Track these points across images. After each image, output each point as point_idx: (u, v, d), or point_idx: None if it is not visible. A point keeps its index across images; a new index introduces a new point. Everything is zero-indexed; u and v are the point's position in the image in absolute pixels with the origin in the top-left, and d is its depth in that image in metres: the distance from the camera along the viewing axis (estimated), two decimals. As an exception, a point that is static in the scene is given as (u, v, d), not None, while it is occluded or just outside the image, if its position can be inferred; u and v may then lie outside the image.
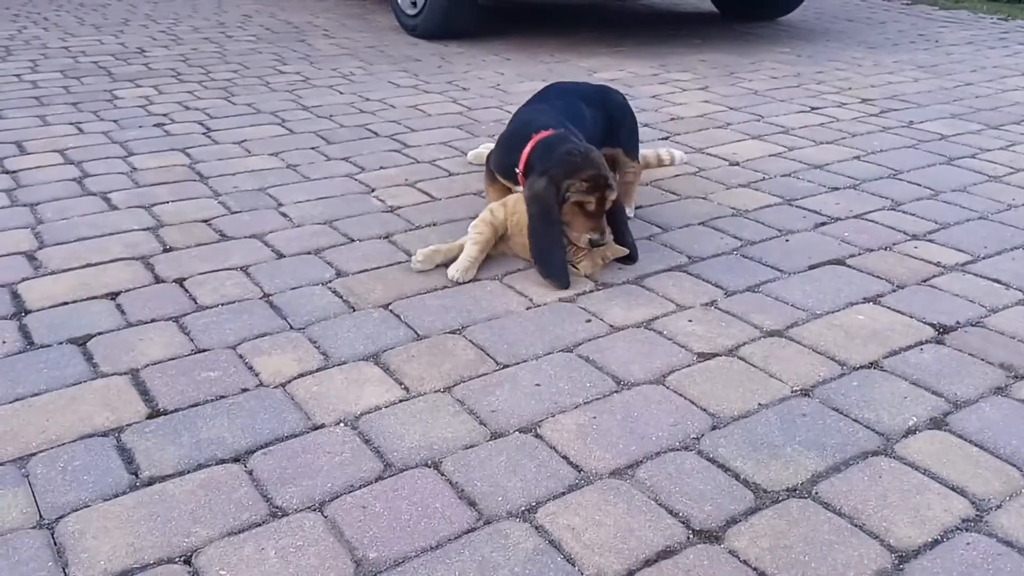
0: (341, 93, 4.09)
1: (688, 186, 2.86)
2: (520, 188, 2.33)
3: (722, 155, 3.19)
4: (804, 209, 2.67)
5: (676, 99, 4.02)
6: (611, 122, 2.63)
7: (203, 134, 3.38)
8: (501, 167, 2.44)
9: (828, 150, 3.26)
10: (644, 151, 3.02)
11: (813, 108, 3.88)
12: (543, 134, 2.29)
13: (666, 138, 3.39)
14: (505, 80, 4.42)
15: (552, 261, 2.16)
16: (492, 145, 3.07)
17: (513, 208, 2.27)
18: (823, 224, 2.55)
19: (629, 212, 2.56)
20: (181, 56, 4.90)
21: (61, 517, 1.39)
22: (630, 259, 2.25)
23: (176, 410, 1.65)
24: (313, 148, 3.23)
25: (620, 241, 2.23)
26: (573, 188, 2.13)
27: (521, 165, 2.31)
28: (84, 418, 1.62)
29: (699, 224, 2.55)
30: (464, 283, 2.16)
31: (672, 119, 3.67)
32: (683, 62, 4.91)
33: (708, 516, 1.40)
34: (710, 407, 1.67)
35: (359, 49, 5.20)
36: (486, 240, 2.24)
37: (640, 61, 4.92)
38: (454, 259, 2.22)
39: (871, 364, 1.82)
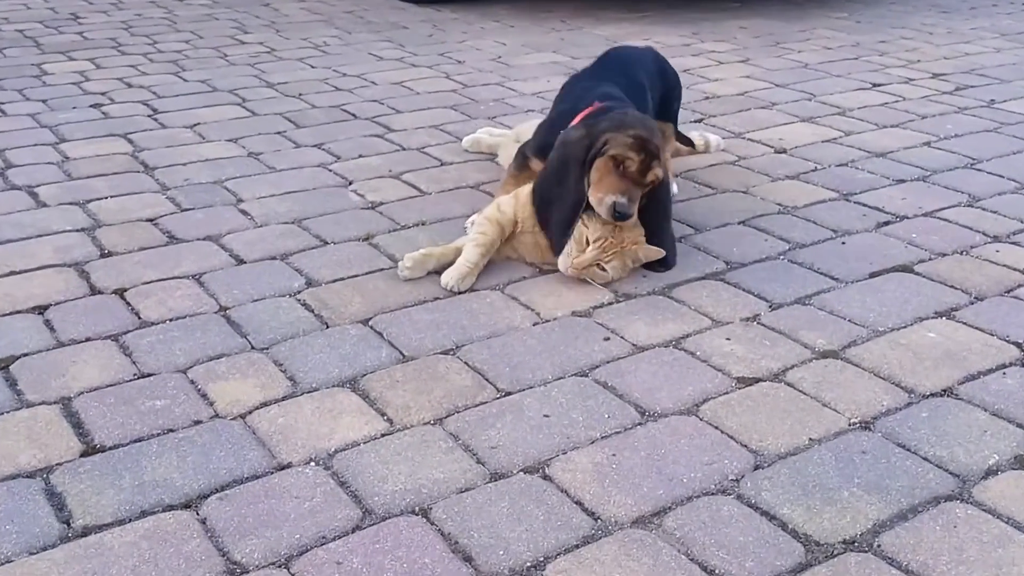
0: (313, 67, 4.11)
1: (726, 178, 2.87)
2: None
3: (766, 140, 3.20)
4: (864, 205, 2.67)
5: (711, 74, 4.03)
6: (667, 92, 2.69)
7: (148, 116, 3.40)
8: (542, 147, 2.42)
9: (892, 135, 3.26)
10: (695, 133, 3.04)
11: (875, 84, 3.88)
12: (598, 106, 2.32)
13: (700, 120, 3.40)
14: (508, 51, 4.43)
15: (557, 222, 2.16)
16: (493, 129, 3.10)
17: (526, 201, 2.28)
18: (886, 223, 2.56)
19: (674, 188, 2.59)
20: (123, 23, 4.92)
21: (-22, 574, 1.39)
22: (663, 264, 2.25)
23: (115, 446, 1.65)
24: (279, 133, 3.24)
25: (655, 241, 2.24)
26: (614, 141, 2.15)
27: None
28: (6, 456, 1.62)
29: (739, 223, 2.55)
30: (460, 293, 2.16)
31: (707, 98, 3.68)
32: (720, 29, 4.92)
33: (749, 574, 1.40)
34: (752, 443, 1.67)
35: (335, 15, 5.22)
36: (490, 242, 2.24)
37: (668, 28, 4.93)
38: (448, 265, 2.22)
39: (944, 391, 1.82)
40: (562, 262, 2.18)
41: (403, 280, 2.21)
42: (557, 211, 2.19)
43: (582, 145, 2.18)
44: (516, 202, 2.28)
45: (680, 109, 2.87)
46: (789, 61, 4.26)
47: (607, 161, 2.15)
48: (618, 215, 2.13)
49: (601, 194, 2.15)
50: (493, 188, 2.67)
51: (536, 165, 2.44)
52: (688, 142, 2.96)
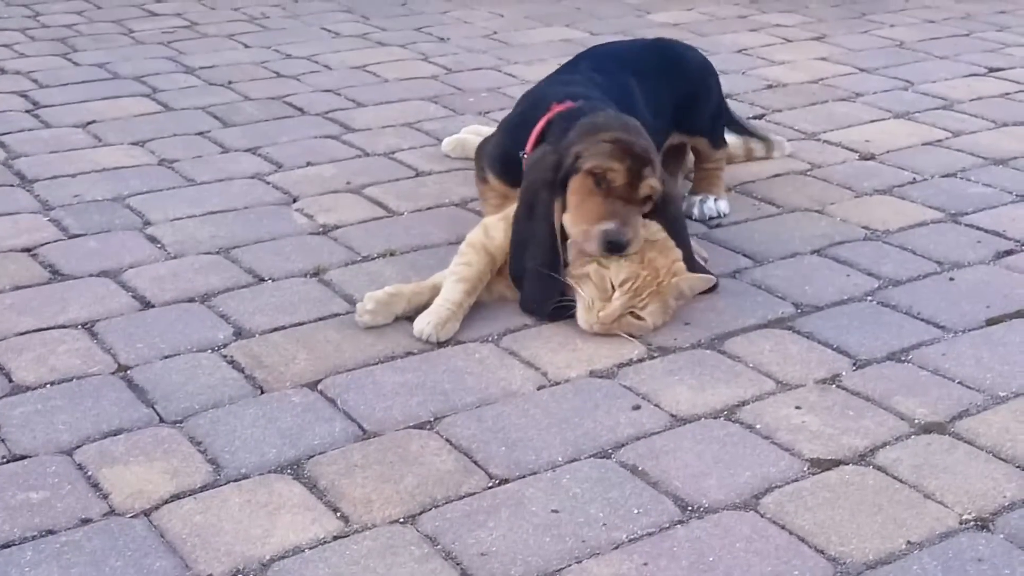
0: (247, 47, 4.14)
1: (795, 192, 2.88)
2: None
3: (848, 143, 3.21)
4: (977, 229, 2.68)
5: (775, 55, 4.06)
6: (686, 97, 2.66)
7: (27, 112, 3.41)
8: (497, 159, 2.46)
9: (1015, 135, 3.28)
10: (727, 137, 3.05)
11: (991, 70, 3.90)
12: (565, 105, 2.34)
13: (760, 117, 3.42)
14: (506, 26, 4.47)
15: (531, 273, 2.18)
16: (482, 128, 3.12)
17: None
18: (1008, 253, 2.56)
19: (723, 206, 2.65)
20: (-4, -11, 4.97)
21: None
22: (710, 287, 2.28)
23: (-24, 553, 1.64)
24: (201, 134, 3.25)
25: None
26: (588, 151, 2.16)
27: (529, 147, 2.34)
28: None
29: (812, 253, 2.56)
30: (440, 345, 2.16)
31: (769, 87, 3.70)
32: (786, -4, 4.97)
33: None
34: (830, 547, 1.66)
35: (276, -23, 5.28)
36: (477, 275, 2.25)
37: (718, -5, 4.98)
38: (423, 307, 2.22)
39: (1089, 477, 1.82)
40: (583, 318, 2.18)
41: (363, 328, 2.21)
42: (529, 258, 2.20)
43: (548, 164, 2.19)
44: (507, 225, 2.28)
45: (719, 113, 2.81)
46: (878, 39, 4.29)
47: (583, 179, 2.17)
48: (612, 246, 2.14)
49: (585, 224, 2.16)
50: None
51: (496, 184, 2.48)
52: (758, 137, 2.98)
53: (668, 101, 2.62)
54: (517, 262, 2.23)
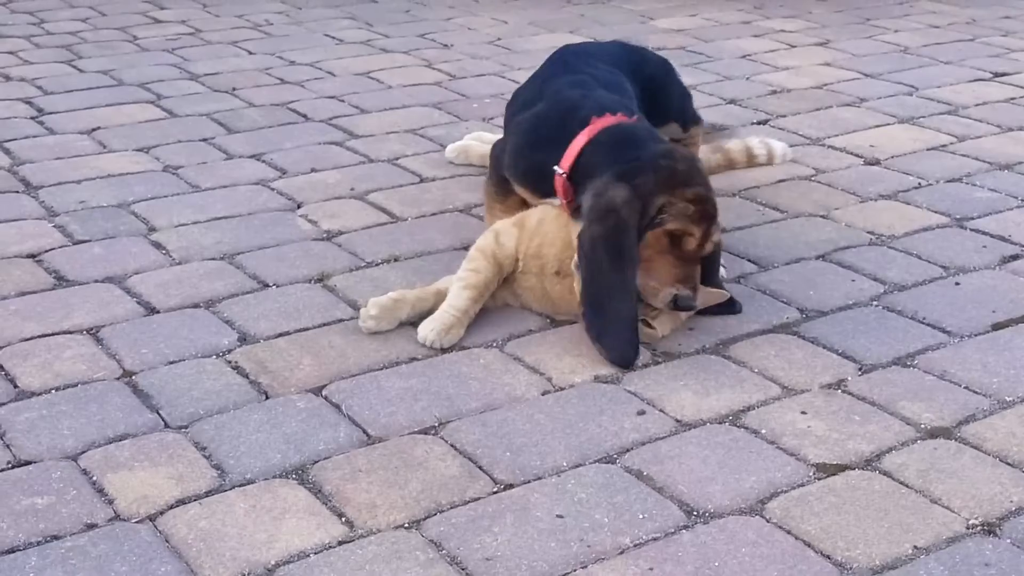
0: (251, 53, 4.14)
1: (799, 197, 2.88)
2: (555, 201, 2.35)
3: (853, 148, 3.21)
4: (983, 234, 2.68)
5: (779, 61, 4.06)
6: (654, 89, 2.67)
7: (32, 119, 3.42)
8: (527, 170, 2.42)
9: (1020, 140, 3.28)
10: (728, 143, 3.05)
11: (996, 74, 3.91)
12: (607, 120, 2.31)
13: (763, 122, 3.42)
14: (510, 32, 4.47)
15: (616, 325, 2.12)
16: (485, 134, 3.12)
17: (535, 230, 2.29)
18: (1014, 258, 2.56)
19: None
20: (0, -3, 4.98)
21: None
22: (731, 307, 2.28)
23: (-19, 558, 1.65)
24: (205, 140, 3.26)
25: (710, 281, 2.26)
26: (673, 209, 2.14)
27: (566, 165, 2.31)
28: None
29: (817, 258, 2.56)
30: (445, 351, 2.16)
31: (773, 92, 3.70)
32: (791, 2, 4.96)
33: None
34: (836, 552, 1.66)
35: (280, -16, 5.29)
36: (484, 282, 2.25)
37: (723, 1, 4.97)
38: (427, 313, 2.22)
39: (1095, 482, 1.81)
40: None
41: (367, 334, 2.21)
42: (619, 306, 2.12)
43: (634, 211, 2.14)
44: (520, 233, 2.28)
45: (684, 95, 2.80)
46: (882, 44, 4.29)
47: (661, 237, 2.15)
48: (682, 307, 2.15)
49: (655, 282, 2.15)
50: (489, 212, 2.68)
51: (522, 192, 2.46)
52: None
53: (639, 96, 2.63)
54: (598, 313, 2.13)
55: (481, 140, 3.07)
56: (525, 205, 2.44)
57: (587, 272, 2.13)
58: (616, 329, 2.13)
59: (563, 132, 2.33)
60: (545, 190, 2.36)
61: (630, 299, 2.13)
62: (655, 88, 2.69)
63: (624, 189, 2.16)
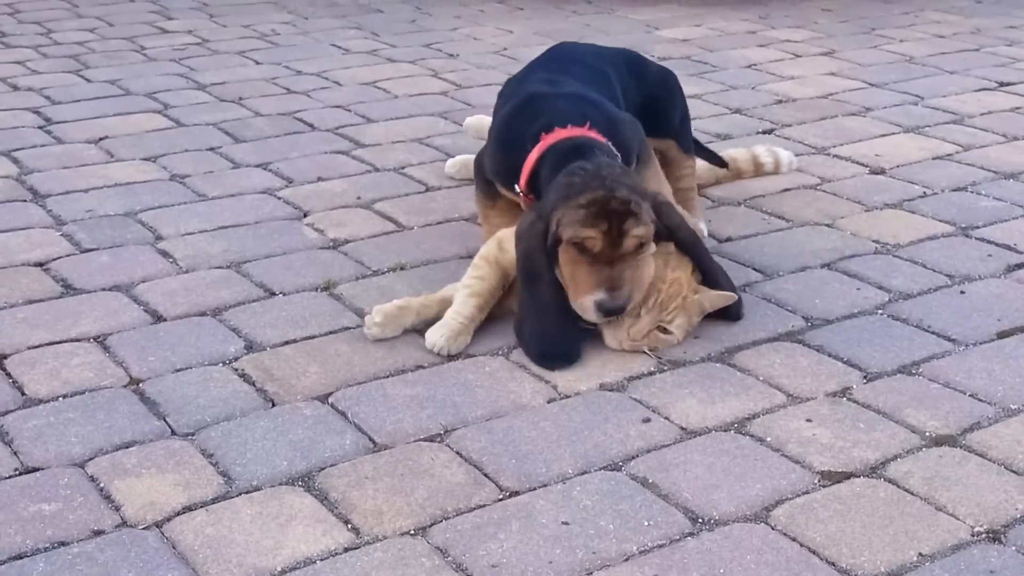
0: (257, 63, 4.15)
1: (804, 206, 2.89)
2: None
3: (858, 157, 3.21)
4: (988, 243, 2.68)
5: (785, 70, 4.07)
6: (652, 102, 2.67)
7: (39, 128, 3.43)
8: (499, 170, 2.45)
9: (1026, 149, 3.29)
10: (734, 151, 3.06)
11: (1001, 84, 3.91)
12: (556, 136, 2.32)
13: (768, 132, 3.42)
14: (515, 42, 4.48)
15: (539, 332, 2.17)
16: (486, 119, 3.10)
17: None
18: (1019, 267, 2.57)
19: (702, 228, 2.61)
20: (7, 7, 4.99)
21: None
22: (733, 313, 2.28)
23: (-12, 565, 1.65)
24: (212, 149, 3.27)
25: (713, 286, 2.26)
26: (564, 219, 2.14)
27: (523, 178, 2.34)
28: None
29: (822, 267, 2.56)
30: (452, 358, 2.17)
31: (778, 101, 3.71)
32: (796, 12, 4.97)
33: None
34: (841, 559, 1.66)
35: (286, -5, 5.30)
36: (489, 289, 2.25)
37: (728, 11, 4.98)
38: (432, 320, 2.23)
39: (1100, 490, 1.81)
40: (613, 336, 2.18)
41: (372, 341, 2.21)
42: (537, 320, 2.19)
43: (537, 233, 2.18)
44: None
45: (685, 118, 2.80)
46: (887, 53, 4.29)
47: (567, 250, 2.16)
48: (608, 313, 2.13)
49: (579, 297, 2.15)
50: (495, 221, 2.68)
51: (504, 192, 2.48)
52: (717, 160, 2.95)
53: (636, 101, 2.64)
54: (522, 321, 2.22)
55: (480, 132, 3.08)
56: (516, 206, 2.46)
57: (521, 294, 2.23)
58: (532, 330, 2.19)
59: (524, 144, 2.35)
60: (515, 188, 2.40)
61: (554, 312, 2.17)
62: (654, 101, 2.69)
63: (530, 215, 2.21)
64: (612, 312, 2.13)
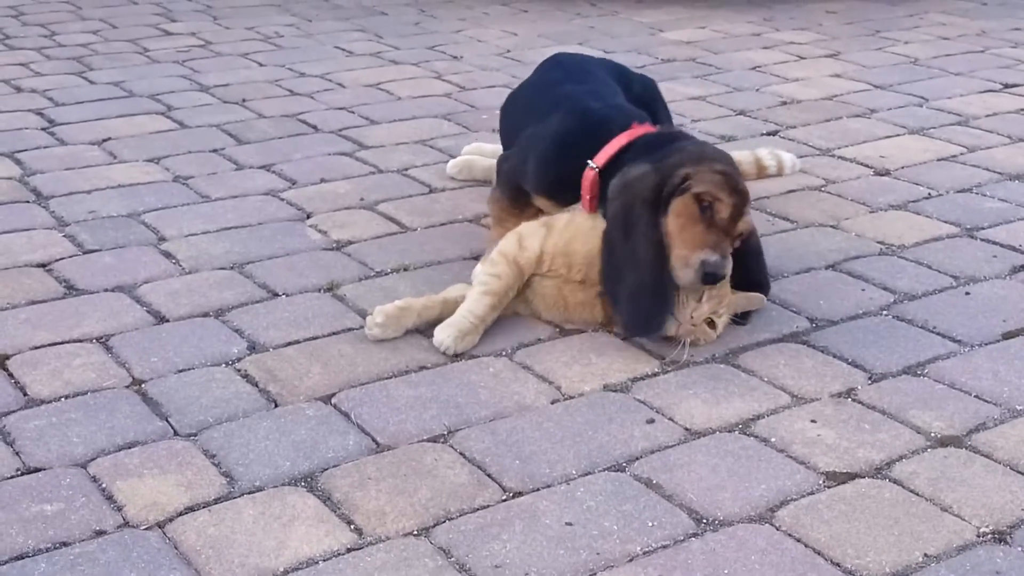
0: (261, 65, 4.15)
1: (809, 208, 2.88)
2: (577, 207, 2.37)
3: (863, 159, 3.21)
4: (993, 244, 2.68)
5: (790, 72, 4.06)
6: (642, 107, 2.68)
7: (43, 130, 3.43)
8: (554, 181, 2.42)
9: (1031, 150, 3.28)
10: (737, 154, 3.05)
11: (1006, 85, 3.90)
12: (648, 127, 2.33)
13: (773, 133, 3.42)
14: (519, 44, 4.48)
15: (631, 295, 2.14)
16: (486, 146, 3.10)
17: (564, 228, 2.27)
18: (1025, 267, 2.57)
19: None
20: (11, 9, 5.00)
21: None
22: (742, 317, 2.29)
23: (-10, 565, 1.65)
24: (215, 151, 3.27)
25: (752, 285, 2.27)
26: (698, 176, 2.15)
27: (602, 159, 2.31)
28: None
29: (827, 268, 2.56)
30: (457, 356, 2.17)
31: (783, 103, 3.70)
32: (801, 14, 4.97)
33: None
34: (847, 560, 1.66)
35: (290, -3, 5.31)
36: (505, 289, 2.24)
37: (732, 13, 4.98)
38: (434, 322, 2.23)
39: (1107, 491, 1.81)
40: (668, 321, 2.16)
41: (373, 341, 2.21)
42: (631, 276, 2.15)
43: (649, 184, 2.17)
44: (548, 232, 2.27)
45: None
46: (892, 55, 4.29)
47: (689, 202, 2.13)
48: (709, 278, 2.11)
49: (685, 251, 2.12)
50: (498, 222, 2.68)
51: (544, 204, 2.46)
52: None
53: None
54: (614, 284, 2.18)
55: (482, 153, 3.07)
56: (540, 216, 2.45)
57: (606, 248, 2.19)
58: (630, 299, 2.15)
59: (591, 142, 2.34)
60: (569, 199, 2.38)
61: (650, 272, 2.13)
62: (645, 107, 2.68)
63: (642, 166, 2.20)
64: (713, 277, 2.11)
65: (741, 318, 2.27)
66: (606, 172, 2.30)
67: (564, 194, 2.40)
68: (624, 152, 2.30)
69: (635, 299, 2.15)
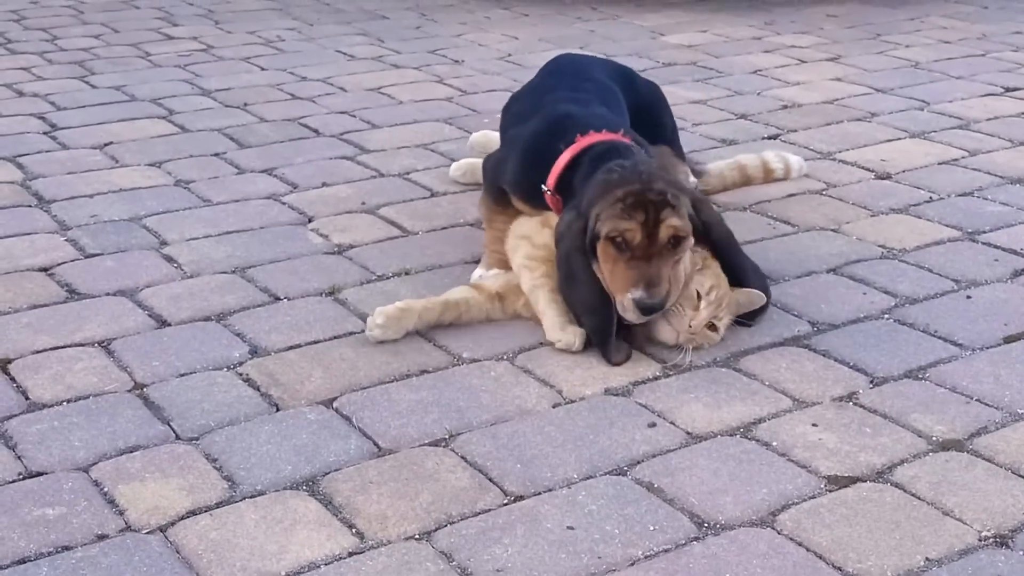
0: (262, 69, 4.16)
1: (811, 212, 2.88)
2: (551, 214, 2.38)
3: (864, 162, 3.21)
4: (994, 247, 2.67)
5: (791, 76, 4.06)
6: (647, 110, 2.68)
7: (44, 134, 3.44)
8: (522, 184, 2.44)
9: (1033, 154, 3.28)
10: (743, 157, 3.05)
11: (1007, 89, 3.90)
12: (591, 138, 2.33)
13: (774, 137, 3.42)
14: (520, 48, 4.48)
15: (593, 333, 2.20)
16: (493, 135, 3.10)
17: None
18: (1027, 271, 2.57)
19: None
20: (13, 13, 5.00)
21: None
22: (753, 315, 2.28)
23: (-8, 569, 1.65)
24: (217, 155, 3.27)
25: (736, 271, 2.27)
26: (603, 214, 2.15)
27: (551, 181, 2.34)
28: None
29: (828, 272, 2.56)
30: (457, 362, 2.17)
31: (784, 107, 3.70)
32: (802, 18, 4.97)
33: None
34: (848, 564, 1.65)
35: (292, 0, 5.30)
36: (551, 279, 2.27)
37: (733, 17, 4.98)
38: (433, 323, 2.24)
39: (1108, 494, 1.81)
40: (669, 329, 2.18)
41: (374, 343, 2.21)
42: (585, 319, 2.22)
43: (576, 231, 2.19)
44: (550, 232, 2.30)
45: (675, 126, 2.84)
46: (893, 59, 4.29)
47: (605, 246, 2.16)
48: (646, 311, 2.12)
49: (618, 295, 2.15)
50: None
51: (521, 207, 2.47)
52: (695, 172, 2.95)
53: (632, 111, 2.65)
54: (580, 318, 2.23)
55: (489, 141, 3.07)
56: (522, 214, 2.47)
57: (560, 292, 2.24)
58: (591, 333, 2.21)
59: (551, 150, 2.35)
60: (540, 204, 2.40)
61: (595, 314, 2.19)
62: (647, 110, 2.71)
63: (569, 212, 2.23)
64: (650, 310, 2.12)
65: (747, 318, 2.27)
66: (560, 189, 2.33)
67: (534, 197, 2.41)
68: (568, 168, 2.31)
69: (595, 334, 2.20)
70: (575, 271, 2.20)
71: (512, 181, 2.47)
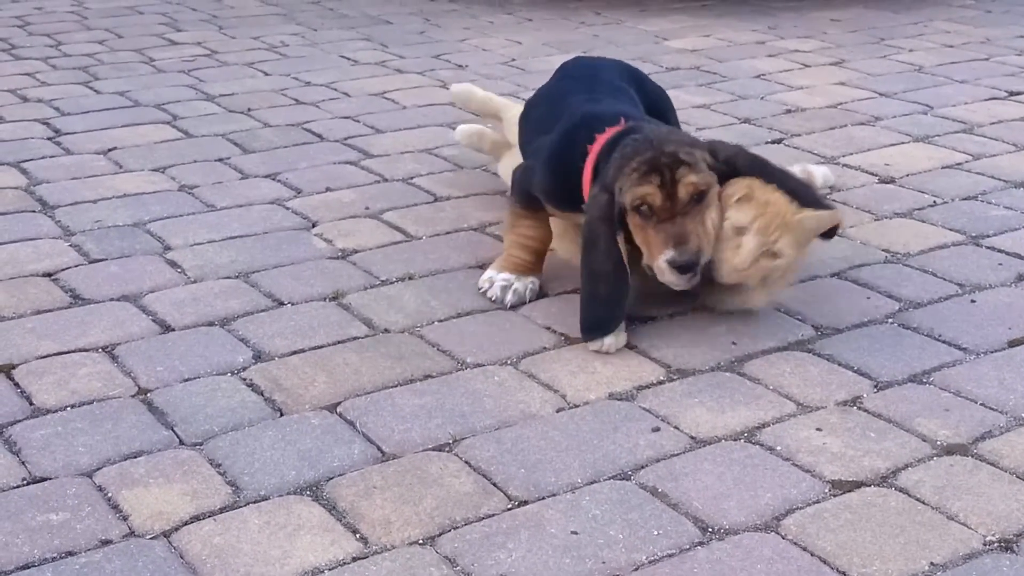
0: (266, 75, 4.16)
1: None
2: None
3: (868, 167, 3.21)
4: (999, 251, 2.67)
5: (794, 80, 4.06)
6: (656, 111, 2.69)
7: (48, 139, 3.44)
8: (558, 191, 2.42)
9: (1037, 158, 3.28)
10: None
11: (1011, 93, 3.90)
12: (614, 128, 2.34)
13: (778, 141, 3.42)
14: (524, 53, 4.48)
15: (595, 307, 2.21)
16: (477, 91, 3.15)
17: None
18: (1031, 275, 2.57)
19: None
20: (17, 19, 5.01)
21: None
22: (832, 229, 2.29)
23: (-4, 574, 1.65)
24: (221, 160, 3.27)
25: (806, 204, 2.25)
26: (624, 187, 2.19)
27: (586, 175, 2.35)
28: None
29: (832, 276, 2.55)
30: (460, 367, 2.16)
31: (788, 111, 3.70)
32: (805, 22, 4.97)
33: None
34: (852, 568, 1.65)
35: (295, 6, 5.30)
36: None
37: (736, 21, 4.98)
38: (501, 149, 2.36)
39: (1113, 499, 1.80)
40: (732, 275, 2.19)
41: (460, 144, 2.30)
42: (589, 285, 2.24)
43: (602, 204, 2.22)
44: None
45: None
46: (897, 63, 4.29)
47: (632, 216, 2.21)
48: (683, 269, 2.15)
49: (652, 260, 2.20)
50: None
51: (555, 213, 2.48)
52: None
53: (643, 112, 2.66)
54: (584, 292, 2.26)
55: (471, 95, 3.13)
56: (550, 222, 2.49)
57: (581, 263, 2.26)
58: (584, 304, 2.23)
59: (581, 150, 2.36)
60: (575, 209, 2.38)
61: (610, 281, 2.21)
62: (656, 113, 2.69)
63: (594, 189, 2.26)
64: (686, 268, 2.15)
65: (825, 237, 2.28)
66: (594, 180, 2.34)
67: (567, 203, 2.40)
68: (599, 158, 2.32)
69: (587, 305, 2.23)
70: (596, 237, 2.22)
71: (544, 189, 2.45)
